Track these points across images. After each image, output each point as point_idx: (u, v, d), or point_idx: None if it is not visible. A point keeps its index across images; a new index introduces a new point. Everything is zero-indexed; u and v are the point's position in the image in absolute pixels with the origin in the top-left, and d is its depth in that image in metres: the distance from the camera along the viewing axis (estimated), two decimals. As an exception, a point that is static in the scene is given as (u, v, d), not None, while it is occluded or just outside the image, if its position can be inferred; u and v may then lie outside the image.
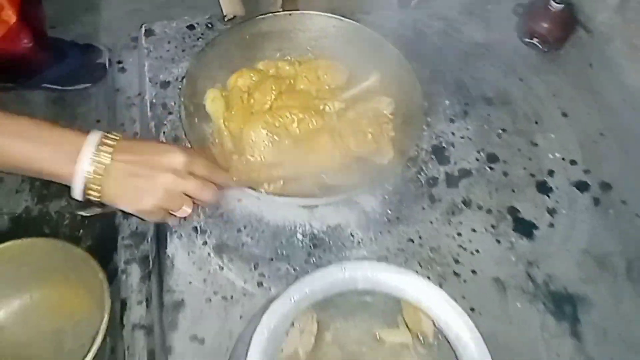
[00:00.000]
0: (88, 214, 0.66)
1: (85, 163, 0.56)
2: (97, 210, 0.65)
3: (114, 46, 1.16)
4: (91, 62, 1.12)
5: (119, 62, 1.10)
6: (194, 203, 0.63)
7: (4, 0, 0.86)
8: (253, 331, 0.55)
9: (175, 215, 0.63)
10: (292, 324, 0.58)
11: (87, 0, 1.24)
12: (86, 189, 0.57)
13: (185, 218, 0.65)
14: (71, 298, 0.86)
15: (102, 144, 0.57)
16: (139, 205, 0.60)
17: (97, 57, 1.13)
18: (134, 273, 0.84)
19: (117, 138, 0.58)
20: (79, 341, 0.81)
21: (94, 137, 0.57)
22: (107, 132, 0.59)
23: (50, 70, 1.08)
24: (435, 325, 0.57)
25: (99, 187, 0.57)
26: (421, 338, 0.59)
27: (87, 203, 0.60)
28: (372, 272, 0.60)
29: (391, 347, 0.60)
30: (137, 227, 0.88)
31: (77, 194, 0.58)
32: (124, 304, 0.82)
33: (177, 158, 0.60)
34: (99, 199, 0.59)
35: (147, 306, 0.82)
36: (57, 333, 0.86)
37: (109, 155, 0.57)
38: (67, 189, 0.58)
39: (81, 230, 0.96)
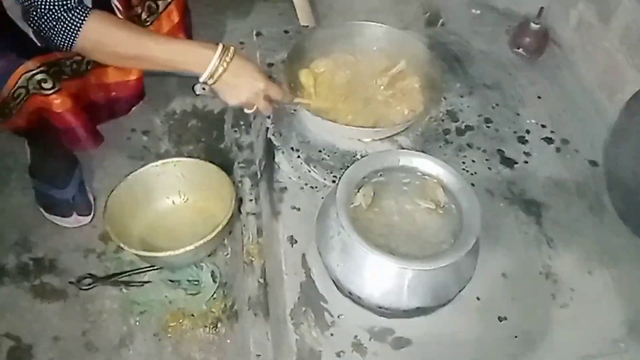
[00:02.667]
0: (198, 94, 1.00)
1: (213, 64, 0.92)
2: (209, 95, 1.00)
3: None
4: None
5: (232, 57, 1.49)
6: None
7: (173, 6, 1.24)
8: (335, 192, 0.89)
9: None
10: (358, 190, 0.92)
11: (207, 14, 1.59)
12: (208, 80, 0.93)
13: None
14: (208, 199, 1.22)
15: (225, 53, 0.93)
16: (236, 97, 0.97)
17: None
18: (247, 183, 1.20)
19: (236, 52, 0.94)
20: (209, 227, 1.12)
21: (220, 48, 0.93)
22: (227, 47, 0.94)
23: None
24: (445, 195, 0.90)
25: (216, 80, 0.93)
26: (441, 204, 0.91)
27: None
28: (409, 157, 0.94)
29: (420, 210, 0.92)
30: (247, 157, 1.26)
31: (203, 78, 0.93)
32: (241, 201, 1.18)
33: (261, 81, 0.97)
34: (212, 88, 0.95)
35: (256, 202, 1.17)
36: (193, 223, 1.22)
37: (228, 62, 0.93)
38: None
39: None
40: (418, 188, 0.92)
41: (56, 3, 0.87)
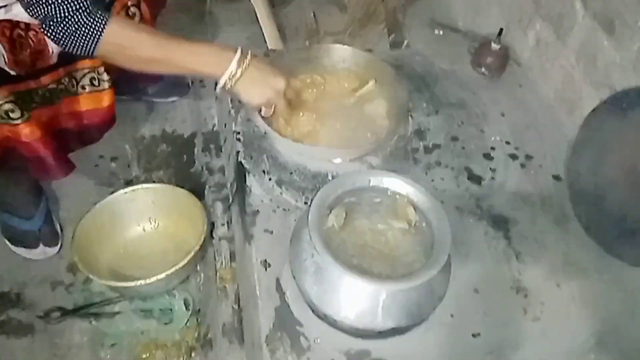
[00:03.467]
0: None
1: (232, 68, 0.93)
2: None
3: None
4: (178, 81, 1.49)
5: (200, 81, 1.48)
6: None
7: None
8: (307, 214, 0.90)
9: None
10: (330, 212, 0.93)
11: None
12: (226, 83, 0.94)
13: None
14: (179, 224, 1.20)
15: (244, 55, 0.94)
16: (258, 96, 0.98)
17: (182, 78, 1.49)
18: (218, 207, 1.19)
19: (254, 55, 0.95)
20: (181, 254, 1.10)
21: (240, 50, 0.94)
22: (246, 50, 0.95)
23: (149, 88, 1.47)
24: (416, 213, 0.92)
25: (234, 83, 0.94)
26: (412, 222, 0.92)
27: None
28: (379, 177, 0.95)
29: (392, 229, 0.93)
30: (218, 180, 1.25)
31: (222, 81, 0.94)
32: (213, 226, 1.17)
33: (283, 80, 0.99)
34: (230, 90, 0.96)
35: (228, 227, 1.16)
36: (165, 250, 1.20)
37: (247, 64, 0.94)
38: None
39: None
40: (389, 207, 0.93)
41: (75, 8, 0.86)
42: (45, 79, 1.01)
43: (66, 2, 0.85)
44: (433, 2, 1.78)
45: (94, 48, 0.89)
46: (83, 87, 1.09)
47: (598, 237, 1.05)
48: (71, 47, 0.90)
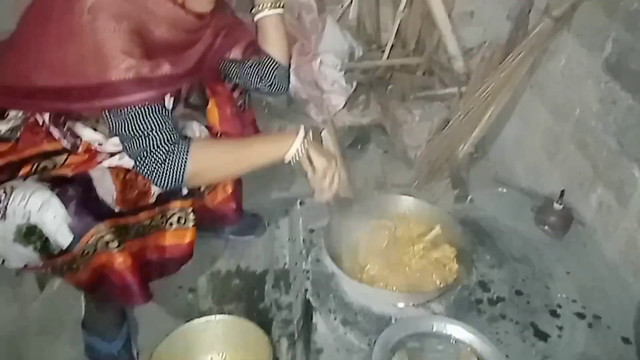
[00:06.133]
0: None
1: (299, 141, 1.08)
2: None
3: (270, 214, 1.68)
4: (254, 222, 1.63)
5: (275, 222, 1.62)
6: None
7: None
8: (370, 356, 0.94)
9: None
10: (392, 355, 0.96)
11: (255, 186, 1.71)
12: (293, 159, 1.09)
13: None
14: (245, 358, 1.24)
15: (305, 135, 1.09)
16: (319, 162, 1.10)
17: (260, 220, 1.64)
18: (284, 343, 1.24)
19: (311, 139, 1.11)
20: None
21: (300, 137, 1.09)
22: (306, 133, 1.10)
23: (228, 227, 1.61)
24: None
25: (301, 154, 1.09)
26: None
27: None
28: (443, 323, 0.99)
29: None
30: (285, 317, 1.31)
31: (289, 156, 1.08)
32: (277, 360, 1.21)
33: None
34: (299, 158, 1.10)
35: (292, 362, 1.20)
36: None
37: (306, 146, 1.09)
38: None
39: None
40: (452, 356, 0.95)
41: (160, 141, 1.02)
42: (142, 216, 1.16)
43: (152, 135, 1.01)
44: (496, 162, 1.92)
45: (182, 178, 1.04)
46: (170, 224, 1.22)
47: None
48: (162, 181, 1.04)
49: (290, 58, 1.34)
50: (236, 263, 1.55)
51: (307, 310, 1.19)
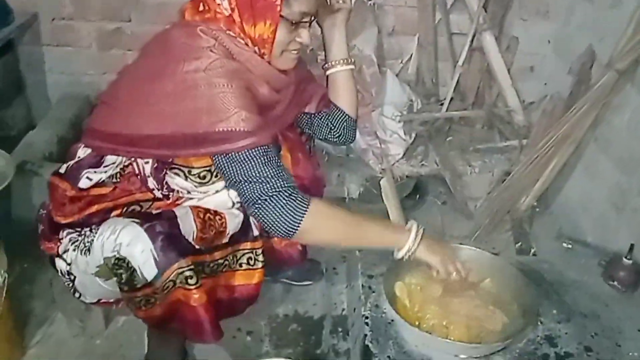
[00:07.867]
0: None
1: (411, 240, 1.16)
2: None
3: (328, 260, 1.71)
4: (313, 267, 1.66)
5: (334, 268, 1.65)
6: None
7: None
8: None
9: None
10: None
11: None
12: (405, 255, 1.17)
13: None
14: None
15: (418, 233, 1.17)
16: (434, 261, 1.19)
17: (317, 265, 1.67)
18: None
19: (423, 233, 1.19)
20: None
21: (414, 230, 1.17)
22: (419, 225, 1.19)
23: (288, 271, 1.63)
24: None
25: (414, 252, 1.16)
26: None
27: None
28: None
29: None
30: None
31: (402, 254, 1.17)
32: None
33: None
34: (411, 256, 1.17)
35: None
36: None
37: (421, 238, 1.17)
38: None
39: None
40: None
41: (280, 187, 1.07)
42: (217, 254, 1.20)
43: (272, 181, 1.07)
44: (560, 216, 1.89)
45: (297, 227, 1.08)
46: (241, 265, 1.25)
47: None
48: (277, 226, 1.09)
49: (357, 111, 1.40)
50: (294, 308, 1.57)
51: (366, 357, 1.19)
